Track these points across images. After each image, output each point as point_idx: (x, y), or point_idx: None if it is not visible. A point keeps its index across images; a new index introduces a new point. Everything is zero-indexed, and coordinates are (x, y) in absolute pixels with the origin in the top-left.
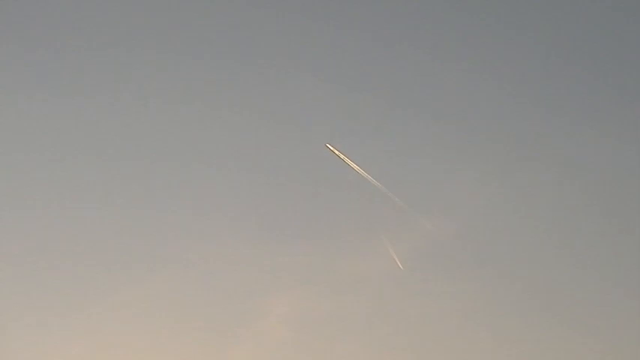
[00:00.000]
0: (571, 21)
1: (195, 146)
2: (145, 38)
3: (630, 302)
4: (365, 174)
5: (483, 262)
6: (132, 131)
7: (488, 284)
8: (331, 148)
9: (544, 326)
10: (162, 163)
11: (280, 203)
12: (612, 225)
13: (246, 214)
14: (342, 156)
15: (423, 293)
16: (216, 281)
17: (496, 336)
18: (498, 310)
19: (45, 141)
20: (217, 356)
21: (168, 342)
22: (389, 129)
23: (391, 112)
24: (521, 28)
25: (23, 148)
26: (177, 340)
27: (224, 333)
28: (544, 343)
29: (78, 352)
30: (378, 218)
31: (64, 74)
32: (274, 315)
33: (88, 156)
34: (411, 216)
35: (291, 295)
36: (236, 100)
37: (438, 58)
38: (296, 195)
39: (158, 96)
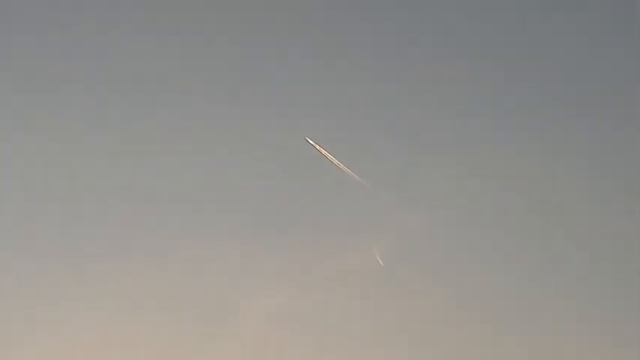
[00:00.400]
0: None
1: (177, 143)
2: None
3: (596, 300)
4: (345, 168)
5: (463, 260)
6: (110, 124)
7: (467, 282)
8: (311, 142)
9: (519, 324)
10: (142, 160)
11: (262, 200)
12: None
13: (228, 211)
14: (322, 150)
15: (404, 290)
16: (198, 279)
17: (475, 333)
18: (478, 307)
19: (21, 136)
20: (201, 354)
21: (152, 339)
22: (371, 125)
23: (371, 108)
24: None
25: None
26: (160, 338)
27: (206, 331)
28: (521, 339)
29: (59, 347)
30: (359, 214)
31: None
32: (256, 313)
33: (65, 153)
34: (391, 211)
35: (273, 293)
36: (218, 97)
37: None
38: (278, 192)
39: (137, 91)
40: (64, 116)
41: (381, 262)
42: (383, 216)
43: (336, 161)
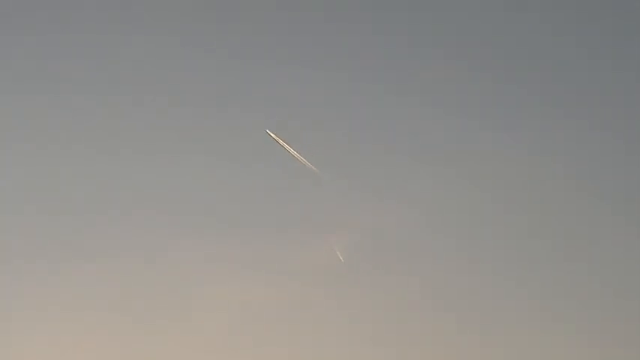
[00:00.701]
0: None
1: (130, 135)
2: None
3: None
4: (305, 161)
5: (423, 255)
6: (62, 121)
7: (428, 277)
8: (272, 134)
9: (481, 319)
10: (93, 153)
11: (219, 191)
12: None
13: (183, 202)
14: (282, 142)
15: (363, 285)
16: (152, 272)
17: (436, 328)
18: (437, 303)
19: None
20: (152, 349)
21: (101, 336)
22: (332, 117)
23: (333, 102)
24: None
25: None
26: (110, 334)
27: (159, 325)
28: (483, 335)
29: (35, 347)
30: (318, 208)
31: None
32: (211, 306)
33: (35, 154)
34: (351, 205)
35: (228, 286)
36: (176, 87)
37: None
38: (235, 183)
39: (96, 92)
40: (35, 116)
41: (341, 258)
42: (342, 211)
43: (296, 154)
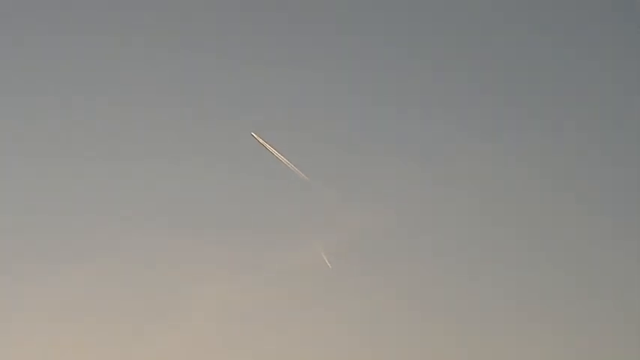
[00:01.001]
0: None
1: (116, 140)
2: None
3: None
4: (290, 164)
5: (408, 257)
6: (61, 122)
7: (412, 279)
8: (257, 137)
9: (468, 320)
10: (79, 157)
11: (205, 194)
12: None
13: (168, 205)
14: (267, 146)
15: (347, 288)
16: (138, 275)
17: (417, 331)
18: (420, 305)
19: None
20: (138, 350)
21: (90, 337)
22: (317, 119)
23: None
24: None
25: None
26: (97, 336)
27: (145, 327)
28: (469, 337)
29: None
30: (303, 211)
31: None
32: (197, 309)
33: None
34: (335, 208)
35: (213, 290)
36: (176, 87)
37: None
38: (221, 186)
39: (95, 92)
40: (35, 116)
41: (328, 264)
42: (326, 213)
43: (281, 157)
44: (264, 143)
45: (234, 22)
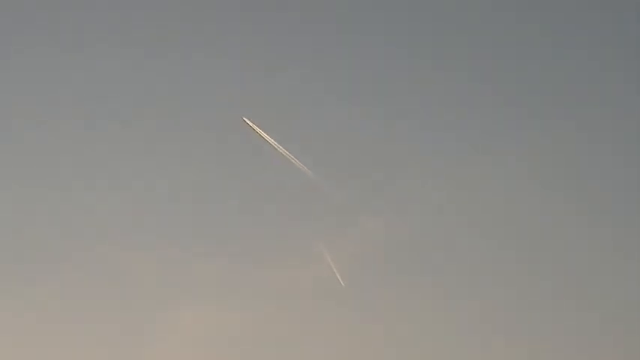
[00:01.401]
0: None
1: (107, 144)
2: None
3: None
4: (283, 150)
5: (405, 267)
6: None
7: (410, 288)
8: (249, 122)
9: (472, 327)
10: (70, 159)
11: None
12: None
13: (160, 213)
14: (259, 130)
15: (341, 304)
16: (124, 287)
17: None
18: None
19: None
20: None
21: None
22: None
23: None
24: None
25: None
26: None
27: (130, 343)
28: (473, 344)
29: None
30: (298, 201)
31: None
32: (183, 327)
33: None
34: (330, 200)
35: (201, 306)
36: (176, 87)
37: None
38: (214, 187)
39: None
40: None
41: (342, 282)
42: (323, 205)
43: (273, 142)
44: (256, 127)
45: (234, 22)
